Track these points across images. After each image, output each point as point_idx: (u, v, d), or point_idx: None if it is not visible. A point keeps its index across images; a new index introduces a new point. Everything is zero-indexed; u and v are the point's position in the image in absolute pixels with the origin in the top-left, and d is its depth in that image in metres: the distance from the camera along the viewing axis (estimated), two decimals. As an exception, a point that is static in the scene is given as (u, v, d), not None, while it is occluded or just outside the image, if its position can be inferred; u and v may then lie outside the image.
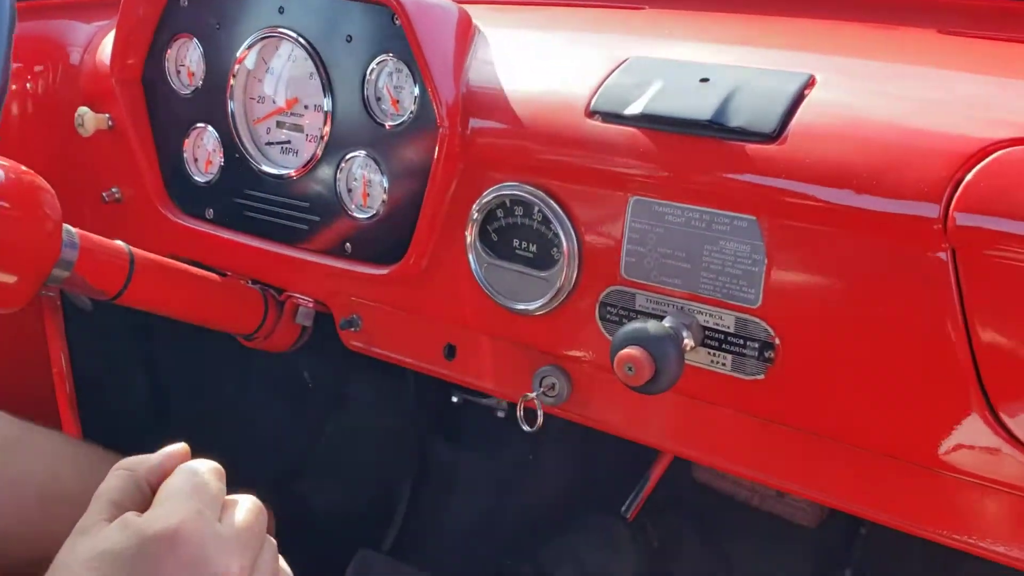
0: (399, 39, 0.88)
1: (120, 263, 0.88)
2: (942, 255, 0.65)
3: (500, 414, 1.33)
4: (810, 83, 0.72)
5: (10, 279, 0.77)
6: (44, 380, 1.41)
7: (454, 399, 1.37)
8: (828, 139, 0.69)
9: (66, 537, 0.88)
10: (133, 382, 1.48)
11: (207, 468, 0.58)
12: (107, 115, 1.13)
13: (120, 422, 1.46)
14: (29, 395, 1.38)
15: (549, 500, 1.35)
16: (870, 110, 0.70)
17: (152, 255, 0.93)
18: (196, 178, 1.07)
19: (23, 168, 0.80)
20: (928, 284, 0.66)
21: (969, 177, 0.63)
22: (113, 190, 1.16)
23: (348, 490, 1.44)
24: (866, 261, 0.68)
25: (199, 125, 1.06)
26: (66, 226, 0.82)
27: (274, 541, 0.58)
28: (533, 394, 0.87)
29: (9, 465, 0.97)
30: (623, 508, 0.97)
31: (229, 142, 1.03)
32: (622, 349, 0.71)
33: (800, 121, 0.70)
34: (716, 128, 0.72)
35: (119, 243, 0.90)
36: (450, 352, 0.94)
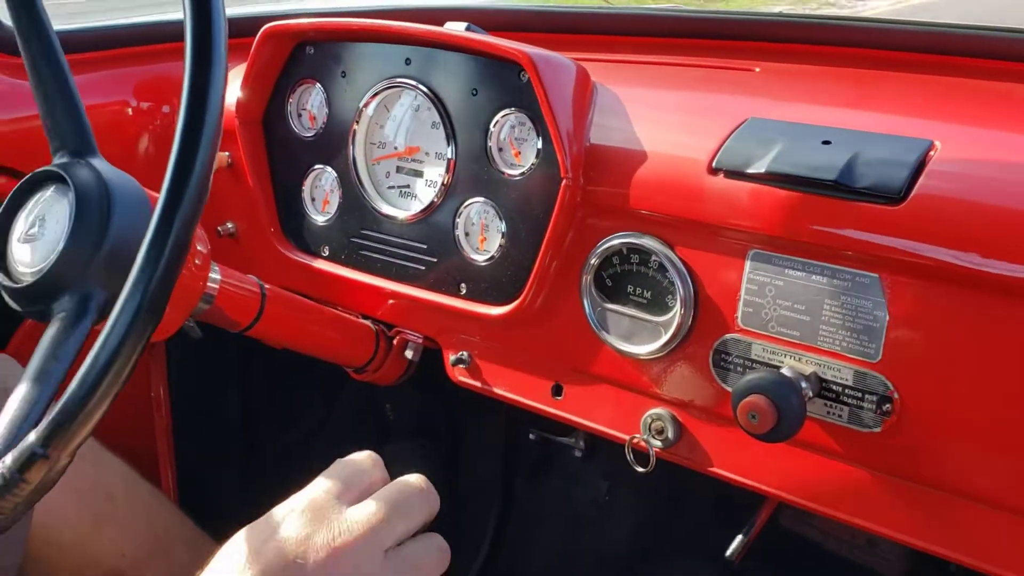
0: (525, 94, 0.93)
1: (253, 297, 0.93)
2: (1065, 319, 0.67)
3: (577, 453, 1.36)
4: (931, 148, 0.76)
5: (163, 310, 0.82)
6: (144, 404, 1.47)
7: (531, 436, 1.41)
8: (952, 204, 0.72)
9: (107, 565, 0.97)
10: (226, 411, 1.53)
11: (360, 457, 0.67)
12: (227, 153, 1.19)
13: (212, 449, 1.51)
14: (128, 418, 1.44)
15: (628, 540, 1.37)
16: (991, 176, 0.73)
17: (279, 290, 0.98)
18: (313, 217, 1.13)
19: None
20: (1050, 346, 0.68)
21: (1095, 245, 0.65)
22: (228, 224, 1.22)
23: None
24: (987, 321, 0.70)
25: (318, 167, 1.12)
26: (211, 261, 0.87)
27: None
28: (642, 436, 0.90)
29: (77, 474, 1.02)
30: (728, 552, 0.99)
31: (348, 184, 1.09)
32: (745, 397, 0.75)
33: (924, 185, 0.73)
34: (842, 188, 0.75)
35: (252, 277, 0.95)
36: (558, 391, 0.98)
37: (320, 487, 0.64)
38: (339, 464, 0.67)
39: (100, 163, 0.75)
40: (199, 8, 0.60)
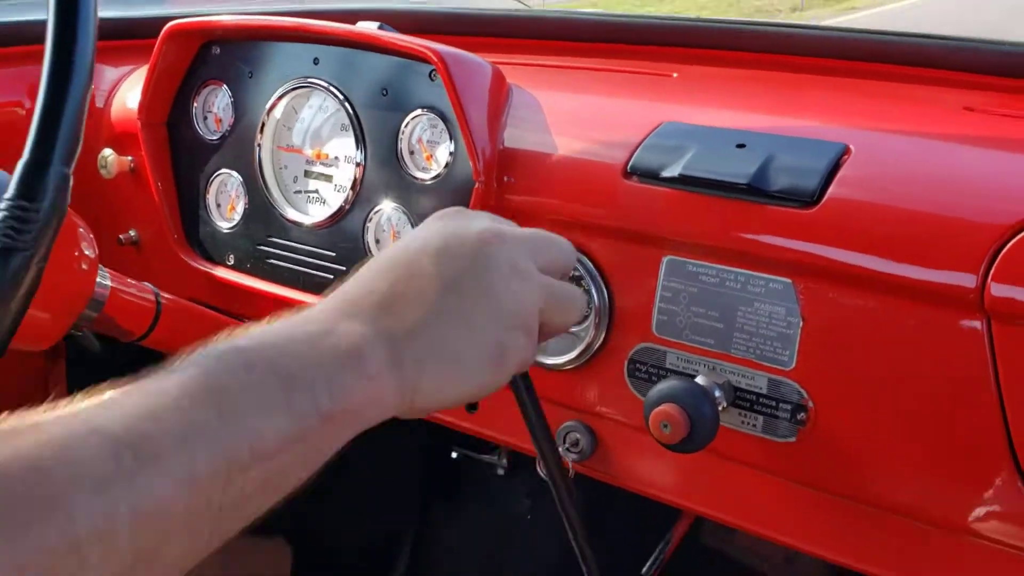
0: (436, 95, 0.89)
1: (148, 305, 0.88)
2: (977, 324, 0.66)
3: (500, 471, 1.33)
4: (845, 153, 0.74)
5: (43, 316, 0.76)
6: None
7: (453, 455, 1.37)
8: (866, 208, 0.71)
9: None
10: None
11: None
12: (130, 158, 1.13)
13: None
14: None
15: (551, 559, 1.34)
16: (906, 181, 0.72)
17: (177, 299, 0.93)
18: (218, 223, 1.08)
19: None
20: (962, 352, 0.67)
21: (1005, 249, 0.64)
22: (131, 232, 1.16)
23: (348, 546, 1.42)
24: (901, 327, 0.69)
25: (224, 171, 1.07)
26: (100, 266, 0.82)
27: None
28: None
29: None
30: (644, 569, 0.97)
31: (254, 189, 1.04)
32: (657, 406, 0.72)
33: (838, 189, 0.72)
34: (755, 192, 0.73)
35: (147, 284, 0.90)
36: (472, 405, 0.94)
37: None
38: None
39: None
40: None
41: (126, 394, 0.44)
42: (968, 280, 0.65)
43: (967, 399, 0.67)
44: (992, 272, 0.64)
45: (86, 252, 0.79)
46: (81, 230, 0.79)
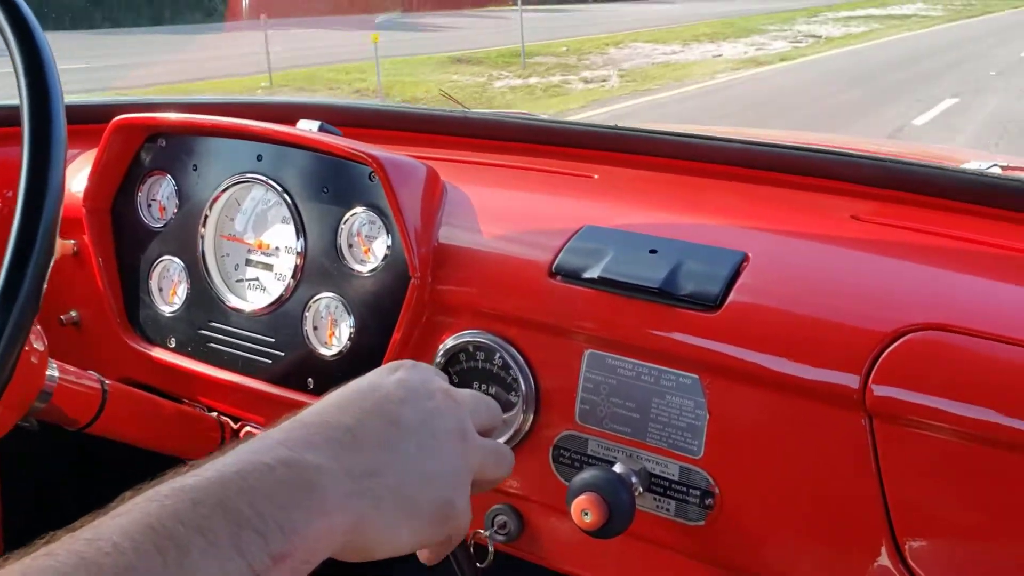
0: (375, 193, 0.96)
1: (93, 394, 0.91)
2: (861, 421, 0.74)
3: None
4: (744, 260, 0.82)
5: (-6, 410, 0.79)
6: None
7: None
8: (762, 312, 0.79)
9: None
10: (64, 508, 1.46)
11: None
12: (73, 241, 1.17)
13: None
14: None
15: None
16: (798, 288, 0.80)
17: (122, 385, 0.96)
18: (160, 307, 1.11)
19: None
20: (849, 446, 0.75)
21: (885, 354, 0.72)
22: (72, 313, 1.19)
23: None
24: (796, 422, 0.77)
25: (166, 257, 1.11)
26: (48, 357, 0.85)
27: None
28: (485, 531, 0.92)
29: None
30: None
31: (197, 276, 1.08)
32: (579, 495, 0.78)
33: (738, 295, 0.79)
34: (665, 295, 0.81)
35: (92, 373, 0.93)
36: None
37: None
38: None
39: None
40: (37, 99, 0.61)
41: (61, 544, 0.42)
42: (852, 381, 0.73)
43: (854, 489, 0.75)
44: (872, 375, 0.73)
45: (35, 346, 0.82)
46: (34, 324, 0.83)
